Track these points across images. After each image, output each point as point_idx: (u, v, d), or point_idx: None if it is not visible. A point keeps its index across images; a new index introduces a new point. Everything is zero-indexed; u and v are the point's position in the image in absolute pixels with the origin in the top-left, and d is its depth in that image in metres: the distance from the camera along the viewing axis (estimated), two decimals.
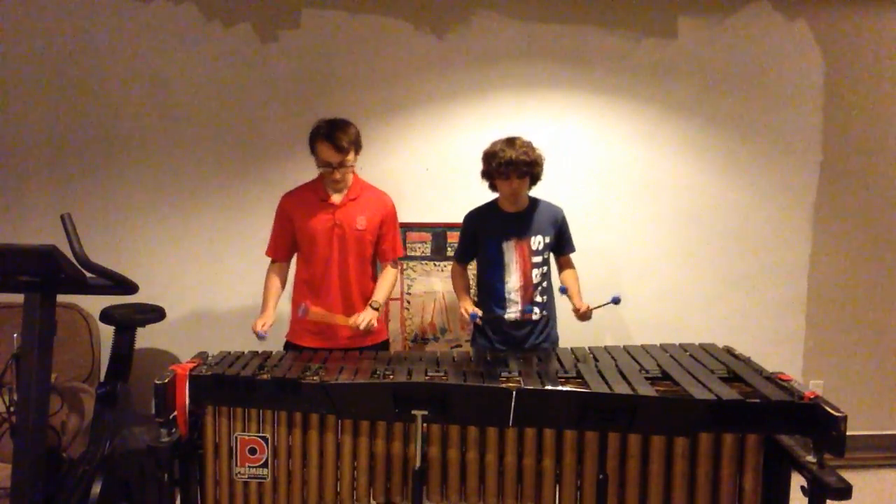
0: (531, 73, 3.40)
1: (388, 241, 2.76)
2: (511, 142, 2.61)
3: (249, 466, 2.20)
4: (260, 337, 2.53)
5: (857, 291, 3.62)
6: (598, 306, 2.63)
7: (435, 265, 3.42)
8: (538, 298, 2.72)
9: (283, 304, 2.81)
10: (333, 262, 2.66)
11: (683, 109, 3.47)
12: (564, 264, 2.88)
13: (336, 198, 2.68)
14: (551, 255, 2.83)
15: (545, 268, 2.73)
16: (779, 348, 3.59)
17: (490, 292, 2.75)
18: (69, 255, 2.12)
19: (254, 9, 3.30)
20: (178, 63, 3.30)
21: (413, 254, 3.39)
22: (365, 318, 2.58)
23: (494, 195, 2.80)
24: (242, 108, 3.35)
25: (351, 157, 2.60)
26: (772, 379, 2.18)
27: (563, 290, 2.67)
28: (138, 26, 3.27)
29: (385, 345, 2.83)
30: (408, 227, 3.34)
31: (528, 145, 2.62)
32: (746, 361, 2.37)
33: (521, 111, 3.41)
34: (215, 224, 3.40)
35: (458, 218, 3.40)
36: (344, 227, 2.65)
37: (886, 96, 3.54)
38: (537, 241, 2.70)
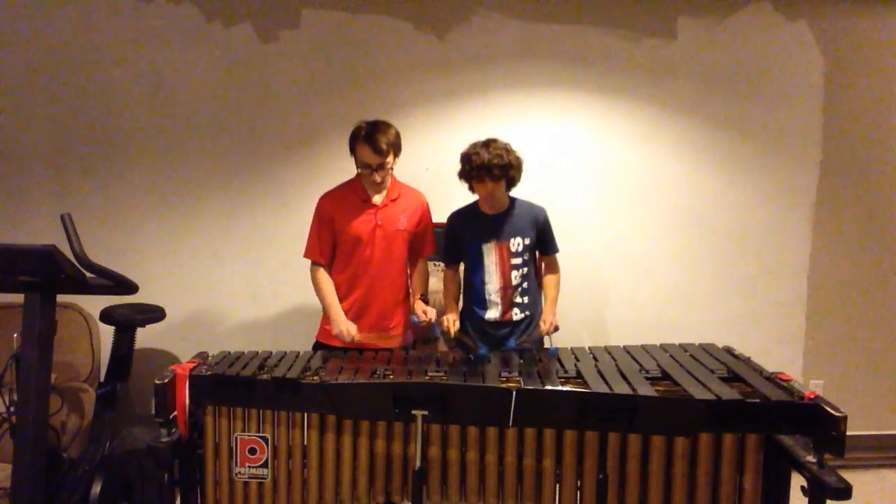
0: (531, 73, 3.40)
1: (423, 238, 2.80)
2: (486, 145, 2.60)
3: (249, 466, 2.20)
4: (348, 340, 2.60)
5: (857, 291, 3.62)
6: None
7: (435, 265, 3.41)
8: (518, 300, 2.73)
9: (308, 304, 2.80)
10: (374, 263, 2.67)
11: (683, 109, 3.47)
12: (547, 267, 2.85)
13: (377, 198, 2.69)
14: (538, 254, 2.82)
15: (525, 269, 2.73)
16: (779, 348, 3.59)
17: (471, 293, 2.78)
18: (69, 255, 2.12)
19: (254, 9, 3.30)
20: (178, 63, 3.30)
21: None
22: (430, 310, 2.66)
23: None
24: (242, 108, 3.35)
25: (390, 158, 2.60)
26: (772, 379, 2.18)
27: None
28: (138, 26, 3.27)
29: (413, 346, 2.85)
30: None
31: (504, 148, 2.61)
32: (746, 361, 2.37)
33: (521, 111, 3.41)
34: (215, 224, 3.40)
35: None
36: (385, 228, 2.66)
37: (886, 96, 3.54)
38: (516, 243, 2.70)
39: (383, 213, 2.68)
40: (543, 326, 2.66)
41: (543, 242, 2.79)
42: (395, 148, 2.62)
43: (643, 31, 3.42)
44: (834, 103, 3.51)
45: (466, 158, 2.61)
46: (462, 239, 2.78)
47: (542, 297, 2.82)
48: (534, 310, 2.78)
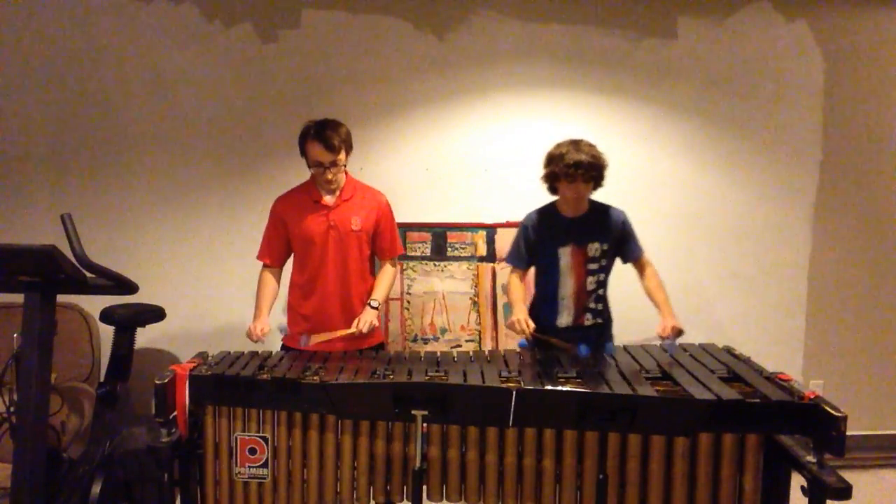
0: (531, 73, 3.40)
1: (385, 239, 2.73)
2: (577, 144, 2.53)
3: (249, 466, 2.20)
4: (257, 342, 2.56)
5: (857, 291, 3.62)
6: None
7: (435, 265, 3.41)
8: (592, 305, 2.64)
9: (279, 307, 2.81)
10: (329, 265, 2.63)
11: (683, 109, 3.47)
12: (640, 269, 2.70)
13: (329, 199, 2.65)
14: (617, 260, 2.70)
15: (602, 275, 2.65)
16: (779, 348, 3.59)
17: (543, 297, 2.69)
18: (69, 255, 2.12)
19: (254, 9, 3.30)
20: (178, 63, 3.31)
21: (413, 254, 3.39)
22: (366, 319, 2.59)
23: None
24: (242, 108, 3.35)
25: (342, 156, 2.56)
26: (772, 379, 2.18)
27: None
28: (138, 26, 3.27)
29: (381, 347, 2.78)
30: (408, 227, 3.34)
31: (595, 148, 2.54)
32: (746, 361, 2.37)
33: (522, 111, 3.41)
34: (215, 224, 3.40)
35: (459, 218, 3.42)
36: (339, 229, 2.62)
37: (886, 96, 3.54)
38: (594, 248, 2.61)
39: (336, 214, 2.62)
40: (666, 330, 2.45)
41: (624, 247, 2.67)
42: (347, 145, 2.58)
43: (643, 31, 3.42)
44: (834, 103, 3.51)
45: (558, 157, 2.52)
46: (537, 242, 2.67)
47: (653, 301, 2.63)
48: (606, 318, 2.71)
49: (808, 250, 3.58)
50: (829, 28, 3.47)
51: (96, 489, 2.63)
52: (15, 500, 2.15)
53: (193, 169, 3.36)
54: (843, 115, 3.52)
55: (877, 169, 3.58)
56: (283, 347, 2.71)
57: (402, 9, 3.34)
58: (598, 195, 3.45)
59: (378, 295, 2.68)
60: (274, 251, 2.71)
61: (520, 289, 2.69)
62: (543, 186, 2.65)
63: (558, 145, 2.57)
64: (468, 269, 3.42)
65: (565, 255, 2.62)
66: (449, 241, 3.39)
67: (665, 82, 3.44)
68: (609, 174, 3.43)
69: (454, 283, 3.42)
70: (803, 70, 3.49)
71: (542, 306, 2.69)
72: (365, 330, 2.57)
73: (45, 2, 3.24)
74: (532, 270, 2.77)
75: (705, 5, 3.42)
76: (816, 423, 1.95)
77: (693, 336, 2.71)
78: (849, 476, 1.91)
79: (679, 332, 2.47)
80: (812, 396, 1.99)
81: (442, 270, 3.41)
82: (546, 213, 2.69)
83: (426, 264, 3.40)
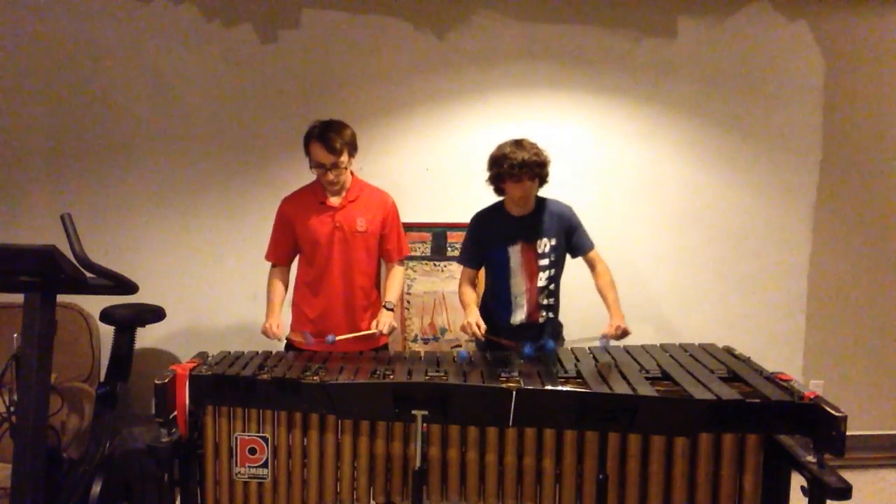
0: (531, 73, 3.40)
1: (391, 241, 2.74)
2: (519, 143, 2.55)
3: (249, 466, 2.20)
4: (272, 338, 2.58)
5: (857, 291, 3.62)
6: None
7: (435, 265, 3.41)
8: (545, 301, 2.68)
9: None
10: (335, 265, 2.63)
11: (683, 109, 3.47)
12: (591, 264, 2.71)
13: (335, 200, 2.65)
14: (567, 256, 2.73)
15: (552, 270, 2.67)
16: (779, 348, 3.59)
17: (497, 296, 2.71)
18: (69, 255, 2.12)
19: (254, 9, 3.30)
20: (178, 63, 3.31)
21: (413, 254, 3.38)
22: (385, 321, 2.63)
23: (486, 198, 2.74)
24: (242, 108, 3.35)
25: (344, 158, 2.56)
26: (772, 379, 2.18)
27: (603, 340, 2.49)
28: (138, 26, 3.27)
29: (384, 349, 2.79)
30: (408, 227, 3.32)
31: (536, 146, 2.57)
32: (746, 361, 2.37)
33: (522, 111, 3.41)
34: (215, 224, 3.40)
35: (459, 218, 3.41)
36: (344, 230, 2.62)
37: (886, 96, 3.53)
38: (543, 244, 2.65)
39: (341, 215, 2.63)
40: (611, 330, 2.50)
41: (575, 241, 2.70)
42: (350, 147, 2.58)
43: (643, 31, 3.42)
44: (834, 103, 3.51)
45: (501, 158, 2.53)
46: (487, 241, 2.70)
47: (603, 300, 2.65)
48: (557, 312, 2.74)
49: (808, 250, 3.58)
50: (829, 28, 3.46)
51: (96, 489, 2.63)
52: (15, 500, 2.15)
53: (193, 168, 3.36)
54: (843, 115, 3.52)
55: (877, 169, 3.58)
56: (288, 346, 2.71)
57: (402, 9, 3.34)
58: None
59: (392, 296, 2.71)
60: (280, 251, 2.73)
61: (471, 291, 2.73)
62: (489, 188, 2.67)
63: (500, 147, 2.59)
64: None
65: (515, 253, 2.65)
66: (449, 241, 3.39)
67: (665, 82, 3.44)
68: (610, 174, 3.48)
69: (454, 283, 3.42)
70: (803, 70, 3.49)
71: (495, 305, 2.71)
72: (385, 331, 2.62)
73: (45, 2, 3.24)
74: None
75: (705, 5, 3.42)
76: (816, 423, 1.95)
77: (693, 336, 2.71)
78: (849, 476, 1.92)
79: (624, 333, 2.51)
80: (812, 396, 2.00)
81: (442, 270, 3.41)
82: (492, 213, 2.72)
83: (426, 264, 3.40)
